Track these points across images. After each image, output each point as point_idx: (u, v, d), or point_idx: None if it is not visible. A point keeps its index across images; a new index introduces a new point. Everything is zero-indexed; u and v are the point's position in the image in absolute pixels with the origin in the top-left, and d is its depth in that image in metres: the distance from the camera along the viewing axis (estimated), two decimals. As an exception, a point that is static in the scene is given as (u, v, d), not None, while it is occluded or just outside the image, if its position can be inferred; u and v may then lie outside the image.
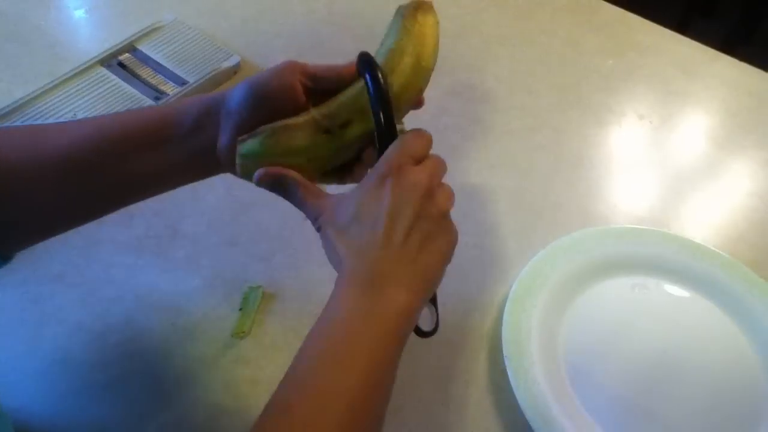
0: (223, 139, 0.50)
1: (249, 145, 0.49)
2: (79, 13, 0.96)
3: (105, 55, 0.85)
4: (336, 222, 0.47)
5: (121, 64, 0.85)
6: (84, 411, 0.58)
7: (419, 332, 0.52)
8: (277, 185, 0.50)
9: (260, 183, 0.50)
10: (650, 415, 0.59)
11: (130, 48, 0.87)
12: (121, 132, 0.51)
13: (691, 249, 0.70)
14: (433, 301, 0.53)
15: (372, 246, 0.45)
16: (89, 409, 0.58)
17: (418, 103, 0.54)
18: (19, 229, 0.52)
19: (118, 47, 0.86)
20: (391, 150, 0.47)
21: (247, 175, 0.50)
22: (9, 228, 0.51)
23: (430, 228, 0.47)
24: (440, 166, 0.49)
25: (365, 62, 0.49)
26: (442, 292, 0.67)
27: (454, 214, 0.74)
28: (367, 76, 0.48)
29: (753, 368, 0.63)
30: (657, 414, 0.59)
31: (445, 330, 0.64)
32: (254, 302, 0.64)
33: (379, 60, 0.50)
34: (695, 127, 0.88)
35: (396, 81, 0.50)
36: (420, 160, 0.48)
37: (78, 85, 0.81)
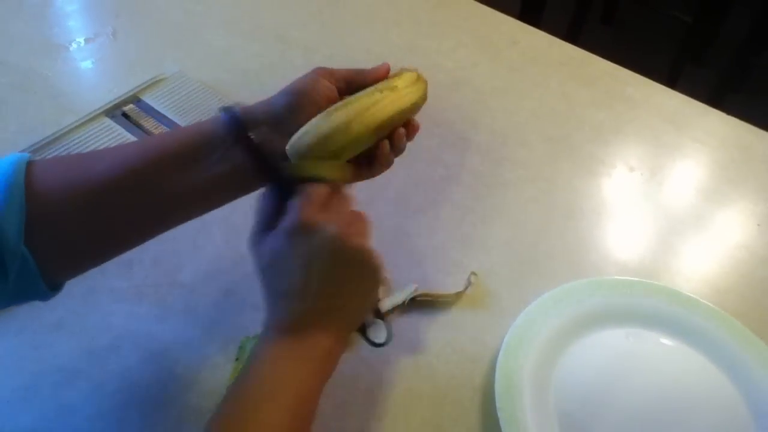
0: (273, 143, 0.53)
1: (302, 147, 0.52)
2: (86, 65, 0.98)
3: (109, 106, 0.87)
4: (258, 263, 0.51)
5: (125, 115, 0.87)
6: (80, 461, 0.59)
7: (372, 343, 0.61)
8: None
9: None
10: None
11: (134, 99, 0.90)
12: (158, 152, 0.53)
13: (681, 301, 0.71)
14: (380, 316, 0.61)
15: (292, 296, 0.49)
16: (85, 459, 0.59)
17: (410, 131, 0.58)
18: (65, 258, 0.53)
19: (122, 98, 0.89)
20: (295, 204, 0.50)
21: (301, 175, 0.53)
22: (55, 258, 0.51)
23: (347, 273, 0.50)
24: (347, 203, 0.52)
25: None
26: (436, 342, 0.68)
27: (448, 264, 0.76)
28: None
29: (743, 420, 0.63)
30: (648, 467, 0.60)
31: (437, 381, 0.65)
32: (250, 352, 0.65)
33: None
34: (685, 179, 0.90)
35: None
36: (325, 203, 0.50)
37: (82, 135, 0.83)
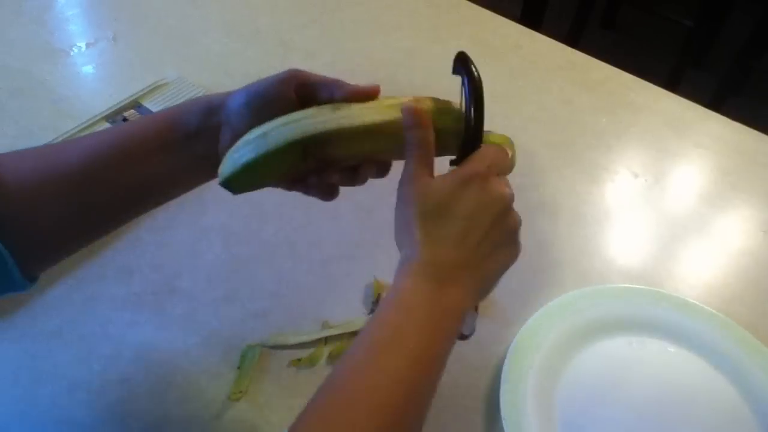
0: (222, 142, 0.52)
1: (240, 163, 0.50)
2: (87, 70, 0.98)
3: (110, 111, 0.87)
4: (422, 204, 0.49)
5: (126, 120, 0.87)
6: (78, 472, 0.58)
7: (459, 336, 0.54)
8: (420, 130, 0.52)
9: (408, 113, 0.51)
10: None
11: (135, 104, 0.89)
12: (129, 140, 0.53)
13: (685, 308, 0.70)
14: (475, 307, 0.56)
15: (447, 242, 0.47)
16: (84, 469, 0.58)
17: None
18: (41, 248, 0.53)
19: (123, 103, 0.88)
20: (481, 155, 0.50)
21: (234, 187, 0.51)
22: (31, 248, 0.51)
23: (501, 239, 0.50)
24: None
25: (463, 60, 0.53)
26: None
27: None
28: (465, 73, 0.52)
29: (748, 429, 0.63)
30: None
31: (442, 390, 0.64)
32: (252, 361, 0.64)
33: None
34: (688, 185, 0.89)
35: None
36: (499, 175, 0.50)
37: (82, 140, 0.83)
